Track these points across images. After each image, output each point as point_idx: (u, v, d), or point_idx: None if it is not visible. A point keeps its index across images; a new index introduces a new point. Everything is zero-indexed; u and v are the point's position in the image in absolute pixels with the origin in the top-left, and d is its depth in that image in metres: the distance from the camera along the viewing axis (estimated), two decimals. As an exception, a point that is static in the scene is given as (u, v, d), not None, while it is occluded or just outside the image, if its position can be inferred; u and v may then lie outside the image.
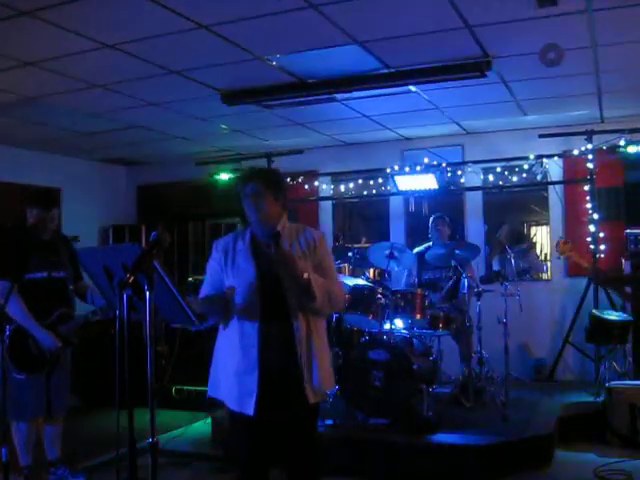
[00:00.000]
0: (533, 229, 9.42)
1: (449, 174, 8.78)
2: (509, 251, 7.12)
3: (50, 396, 5.06)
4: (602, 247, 7.83)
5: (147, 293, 2.70)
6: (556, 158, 8.35)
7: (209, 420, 6.67)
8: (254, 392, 3.47)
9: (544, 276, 8.83)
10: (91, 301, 5.18)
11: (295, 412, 3.56)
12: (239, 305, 3.52)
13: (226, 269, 3.62)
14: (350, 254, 7.53)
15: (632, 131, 7.61)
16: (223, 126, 8.20)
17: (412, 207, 9.32)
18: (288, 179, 9.16)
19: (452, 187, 8.85)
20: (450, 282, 7.20)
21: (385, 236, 9.20)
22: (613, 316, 6.92)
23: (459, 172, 8.86)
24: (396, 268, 7.31)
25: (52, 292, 5.05)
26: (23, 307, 4.85)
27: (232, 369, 3.55)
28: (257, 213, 3.55)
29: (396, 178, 8.50)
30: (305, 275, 3.43)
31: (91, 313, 4.98)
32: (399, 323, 6.59)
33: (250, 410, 3.47)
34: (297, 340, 3.51)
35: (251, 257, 3.59)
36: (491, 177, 8.66)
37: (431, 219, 7.63)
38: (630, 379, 6.74)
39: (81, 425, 6.72)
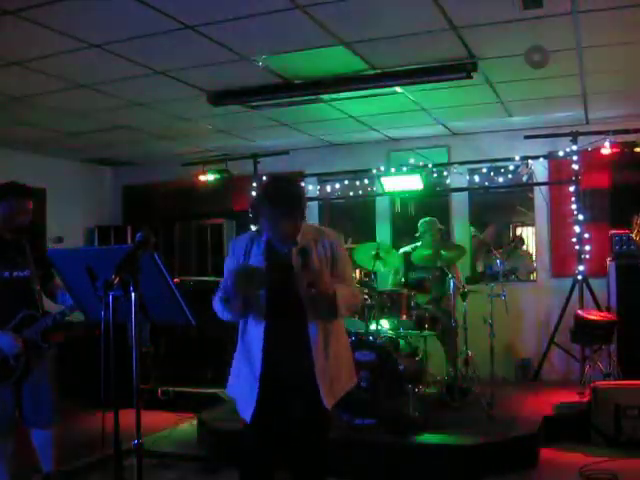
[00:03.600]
0: (519, 230, 9.46)
1: (435, 175, 8.80)
2: (494, 252, 7.15)
3: (23, 408, 4.66)
4: (587, 248, 7.86)
5: (132, 294, 2.69)
6: (541, 159, 8.38)
7: (195, 421, 6.66)
8: (254, 398, 3.42)
9: (530, 276, 8.87)
10: (62, 301, 4.76)
11: (307, 421, 3.52)
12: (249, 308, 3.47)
13: None
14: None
15: (617, 132, 7.65)
16: (209, 126, 8.17)
17: (398, 208, 9.34)
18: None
19: (438, 188, 8.87)
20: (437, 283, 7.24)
21: (371, 237, 9.21)
22: (598, 316, 6.96)
23: (445, 173, 8.89)
24: (382, 269, 7.31)
25: (15, 293, 4.65)
26: None
27: (242, 372, 3.54)
28: (281, 233, 3.43)
29: (382, 179, 8.51)
30: (331, 291, 3.36)
31: (59, 314, 4.56)
32: (385, 324, 6.59)
33: (248, 416, 3.43)
34: (312, 343, 3.43)
35: (263, 262, 3.49)
36: (477, 178, 8.68)
37: (424, 223, 7.59)
38: (615, 379, 6.78)
39: (66, 427, 6.69)
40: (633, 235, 5.68)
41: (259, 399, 3.42)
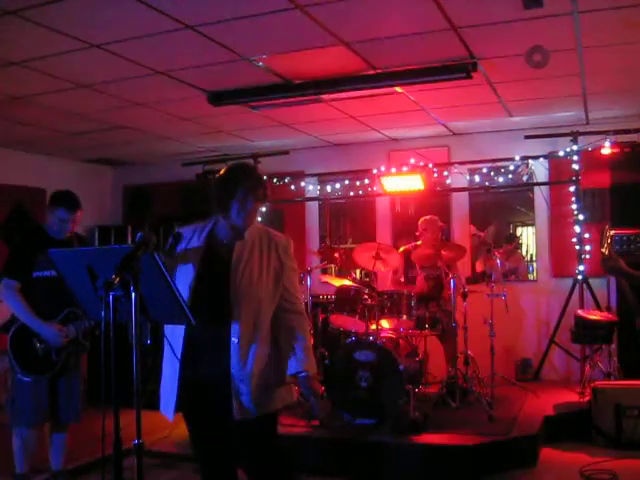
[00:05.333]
0: (519, 230, 9.45)
1: (435, 175, 8.79)
2: (495, 252, 7.14)
3: (58, 402, 4.93)
4: (587, 248, 7.86)
5: (133, 293, 2.69)
6: (541, 159, 8.38)
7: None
8: (174, 397, 3.37)
9: (530, 276, 8.87)
10: None
11: (228, 426, 3.39)
12: None
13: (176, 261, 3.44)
14: (336, 255, 7.55)
15: (617, 132, 7.65)
16: (209, 126, 8.17)
17: (398, 208, 9.34)
18: (274, 180, 9.17)
19: (438, 188, 8.86)
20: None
21: (371, 237, 9.20)
22: (598, 316, 6.96)
23: (445, 173, 8.87)
24: (382, 269, 7.31)
25: (61, 291, 4.81)
26: (24, 304, 4.73)
27: (165, 373, 3.50)
28: (251, 219, 3.41)
29: (382, 179, 8.52)
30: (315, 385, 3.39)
31: None
32: (385, 324, 6.59)
33: (170, 414, 3.40)
34: (233, 348, 3.29)
35: (198, 256, 3.41)
36: (477, 178, 8.68)
37: (424, 222, 7.56)
38: (615, 379, 6.79)
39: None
40: (603, 249, 5.66)
41: (177, 400, 3.37)
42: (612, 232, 6.07)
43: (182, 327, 3.34)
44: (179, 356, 3.34)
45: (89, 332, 4.98)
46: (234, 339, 3.29)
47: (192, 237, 3.49)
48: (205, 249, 3.44)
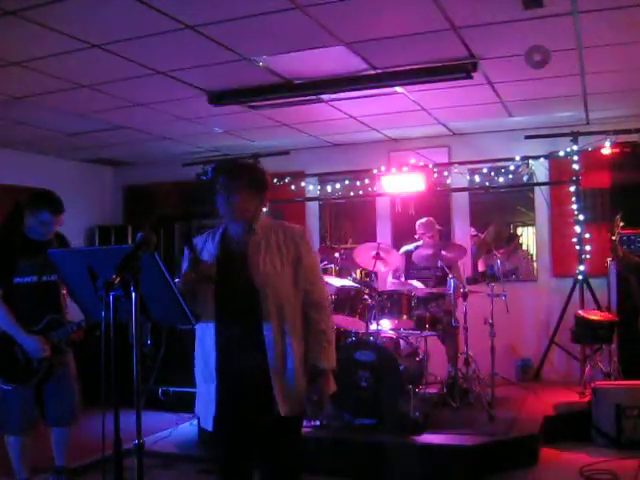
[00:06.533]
0: (519, 230, 9.45)
1: (435, 175, 8.80)
2: (495, 252, 7.14)
3: (46, 408, 4.86)
4: (587, 248, 7.87)
5: (133, 293, 2.69)
6: (542, 159, 8.38)
7: (195, 421, 6.65)
8: (213, 404, 3.28)
9: (530, 276, 8.86)
10: None
11: (265, 425, 3.29)
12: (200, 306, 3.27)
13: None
14: (337, 255, 7.56)
15: (617, 132, 7.65)
16: (209, 126, 8.17)
17: (399, 208, 9.33)
18: (275, 180, 9.16)
19: (438, 188, 8.86)
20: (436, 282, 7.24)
21: (372, 237, 9.19)
22: (598, 316, 6.96)
23: (445, 173, 8.88)
24: (382, 269, 7.31)
25: (42, 297, 4.78)
26: (7, 312, 4.60)
27: (198, 378, 3.42)
28: (227, 207, 3.33)
29: (382, 179, 8.52)
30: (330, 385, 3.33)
31: (83, 321, 4.65)
32: (385, 324, 6.59)
33: (209, 425, 3.30)
34: (267, 343, 3.22)
35: (214, 254, 3.38)
36: (477, 178, 8.68)
37: (421, 225, 7.55)
38: (615, 379, 6.78)
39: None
40: (613, 237, 5.65)
41: (217, 404, 3.28)
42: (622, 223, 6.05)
43: (212, 335, 3.29)
44: (214, 366, 3.29)
45: (71, 338, 4.85)
46: (268, 331, 3.22)
47: (205, 243, 3.46)
48: (220, 250, 3.40)
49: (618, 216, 6.07)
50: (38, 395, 4.84)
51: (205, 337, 3.35)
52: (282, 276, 3.30)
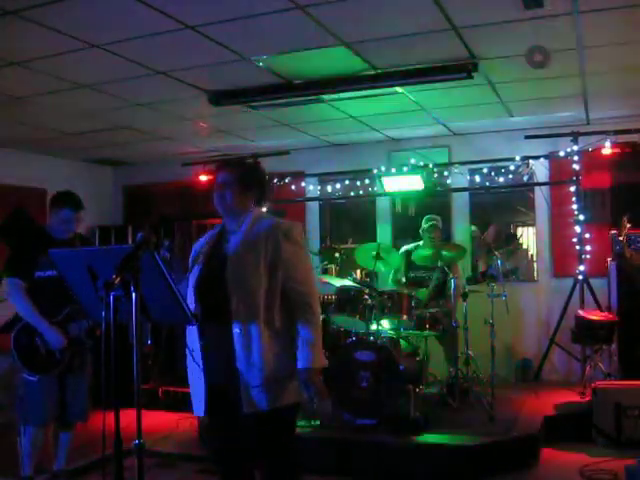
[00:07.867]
0: (519, 230, 9.45)
1: (435, 175, 8.80)
2: (495, 252, 7.14)
3: (66, 401, 4.96)
4: (588, 248, 7.87)
5: (133, 293, 2.69)
6: (542, 159, 8.38)
7: (195, 421, 6.65)
8: (202, 395, 3.39)
9: (530, 277, 8.86)
10: None
11: (247, 421, 3.34)
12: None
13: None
14: (337, 255, 7.55)
15: (617, 132, 7.65)
16: (209, 126, 8.16)
17: (399, 208, 9.34)
18: (275, 180, 9.17)
19: (438, 188, 8.86)
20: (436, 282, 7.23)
21: (372, 237, 9.20)
22: (598, 316, 6.96)
23: (445, 173, 8.88)
24: (383, 269, 7.32)
25: (62, 290, 4.84)
26: (29, 304, 4.77)
27: (189, 370, 3.51)
28: (221, 203, 3.43)
29: (383, 179, 8.51)
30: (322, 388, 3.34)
31: None
32: (386, 324, 6.59)
33: (200, 411, 3.41)
34: (235, 342, 3.26)
35: (204, 257, 3.47)
36: (477, 178, 8.68)
37: (426, 225, 7.51)
38: (615, 379, 6.78)
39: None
40: (621, 238, 5.66)
41: (207, 396, 3.38)
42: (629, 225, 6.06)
43: (196, 334, 3.39)
44: (200, 356, 3.38)
45: (91, 330, 4.97)
46: (236, 330, 3.26)
47: (204, 242, 3.57)
48: (209, 249, 3.49)
49: (625, 217, 6.08)
50: (59, 388, 4.94)
51: (190, 335, 3.45)
52: (255, 274, 3.30)
